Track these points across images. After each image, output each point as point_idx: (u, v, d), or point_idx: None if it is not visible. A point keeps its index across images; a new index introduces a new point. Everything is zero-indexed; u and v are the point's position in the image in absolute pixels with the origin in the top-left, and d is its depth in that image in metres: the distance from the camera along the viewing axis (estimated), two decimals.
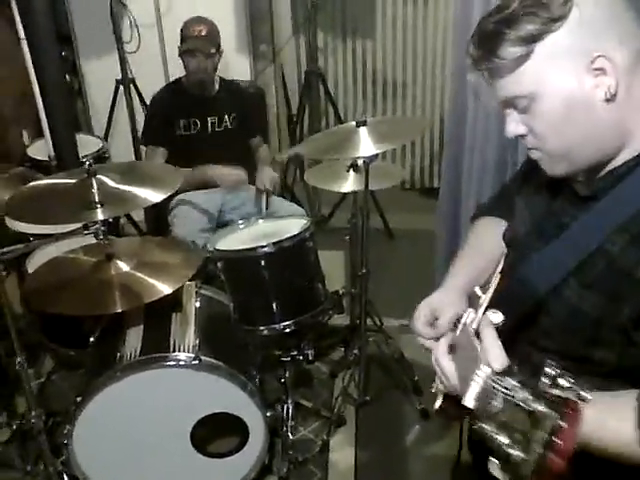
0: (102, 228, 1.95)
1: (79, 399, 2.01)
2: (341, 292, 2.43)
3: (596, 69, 0.94)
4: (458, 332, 1.13)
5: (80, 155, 2.96)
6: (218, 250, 2.22)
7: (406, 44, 3.92)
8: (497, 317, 0.98)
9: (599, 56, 0.93)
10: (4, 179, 2.51)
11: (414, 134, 2.91)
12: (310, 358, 2.33)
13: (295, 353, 2.32)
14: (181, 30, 2.90)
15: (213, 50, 2.85)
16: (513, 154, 2.28)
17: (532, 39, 0.95)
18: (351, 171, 2.47)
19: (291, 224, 2.35)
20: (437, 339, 1.16)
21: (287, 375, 2.33)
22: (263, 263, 2.13)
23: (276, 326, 2.17)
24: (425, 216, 3.71)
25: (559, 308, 1.04)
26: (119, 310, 1.92)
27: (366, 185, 2.21)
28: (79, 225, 1.93)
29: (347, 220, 2.66)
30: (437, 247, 2.81)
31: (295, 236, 2.16)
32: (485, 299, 1.14)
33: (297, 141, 3.74)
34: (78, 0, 3.55)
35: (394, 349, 2.63)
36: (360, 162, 2.27)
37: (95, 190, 1.85)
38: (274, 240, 2.14)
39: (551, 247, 1.06)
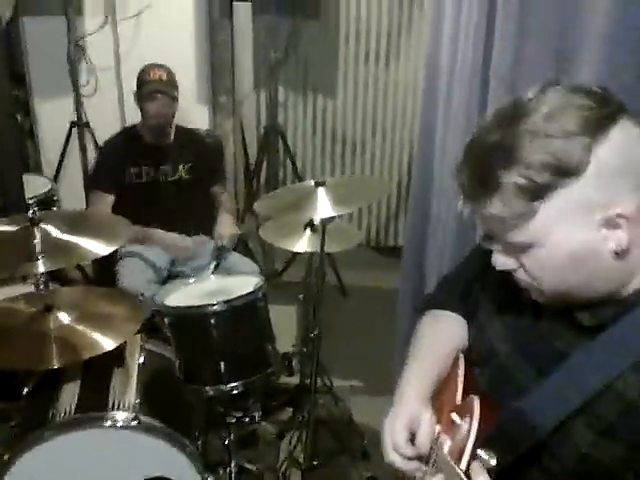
0: (42, 278, 1.87)
1: (6, 457, 1.87)
2: (291, 352, 2.37)
3: (609, 224, 0.88)
4: (437, 465, 1.03)
5: (27, 196, 2.87)
6: (167, 305, 2.13)
7: (366, 103, 3.97)
8: (491, 460, 0.89)
9: (615, 213, 0.86)
10: None
11: (374, 197, 2.92)
12: (256, 420, 2.24)
13: (241, 414, 2.23)
14: (139, 76, 2.85)
15: (174, 94, 2.82)
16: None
17: (542, 194, 0.87)
18: (307, 230, 2.44)
19: (243, 281, 2.29)
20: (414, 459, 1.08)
21: (231, 437, 2.22)
22: (212, 322, 2.05)
23: (223, 387, 2.08)
24: (380, 275, 3.72)
25: (566, 452, 0.94)
26: (55, 366, 1.82)
27: (322, 247, 2.17)
28: None
29: (300, 276, 2.62)
30: (400, 305, 2.78)
31: (247, 295, 2.10)
32: (471, 431, 0.99)
33: (254, 194, 3.71)
34: (34, 40, 3.48)
35: (344, 412, 2.57)
36: (317, 222, 2.25)
37: (37, 240, 1.76)
38: (225, 298, 2.07)
39: (551, 381, 0.95)
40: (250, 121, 3.89)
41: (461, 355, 1.20)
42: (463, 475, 0.89)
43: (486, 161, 0.90)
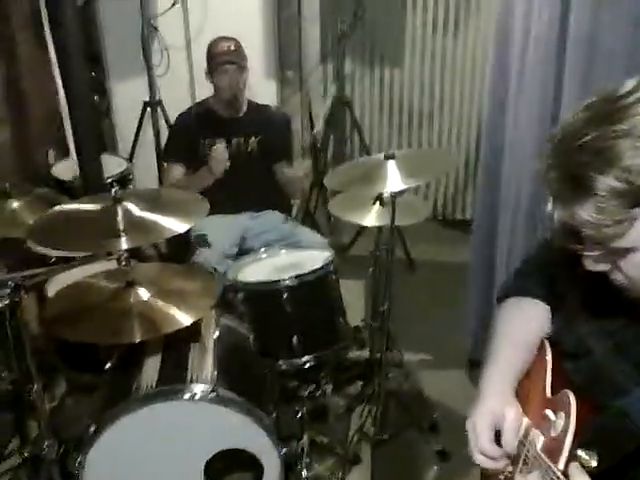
0: (125, 255, 1.94)
1: (92, 428, 1.98)
2: (361, 326, 2.39)
3: None
4: (530, 462, 1.00)
5: (104, 176, 2.98)
6: (240, 281, 2.19)
7: (434, 74, 3.91)
8: (592, 461, 0.86)
9: None
10: (27, 201, 2.50)
11: (443, 169, 2.88)
12: (328, 393, 2.28)
13: (313, 388, 2.27)
14: (208, 50, 2.90)
15: (244, 63, 2.85)
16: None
17: None
18: (376, 204, 2.43)
19: (313, 256, 2.32)
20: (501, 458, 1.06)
21: (304, 411, 2.27)
22: (285, 296, 2.10)
23: (296, 360, 2.13)
24: (448, 248, 3.69)
25: None
26: (137, 340, 1.90)
27: (392, 221, 2.17)
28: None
29: (368, 250, 2.61)
30: (471, 279, 2.76)
31: (318, 270, 2.13)
32: (568, 429, 0.96)
33: (321, 168, 3.72)
34: (110, 22, 3.57)
35: (413, 385, 2.58)
36: (386, 196, 2.24)
37: (120, 218, 1.83)
38: (297, 273, 2.11)
39: None
40: (317, 94, 3.89)
41: (547, 344, 1.17)
42: (562, 476, 0.87)
43: (579, 163, 0.85)
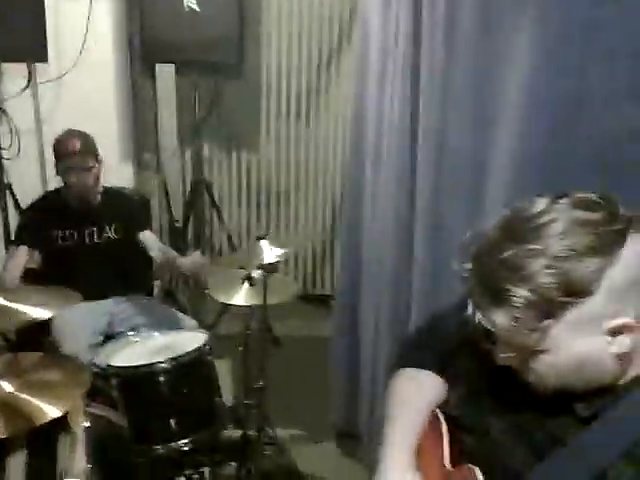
0: None
1: None
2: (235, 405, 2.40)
3: (615, 332, 0.92)
4: None
5: None
6: (112, 366, 2.13)
7: (289, 158, 4.08)
8: None
9: (622, 322, 0.91)
10: None
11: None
12: (206, 477, 2.24)
13: (191, 472, 2.22)
14: (54, 147, 2.80)
15: (91, 164, 2.78)
16: (407, 264, 2.34)
17: (554, 313, 0.91)
18: (245, 283, 2.50)
19: (186, 337, 2.32)
20: None
21: None
22: (161, 379, 2.08)
23: (173, 444, 2.09)
24: (310, 323, 3.81)
25: None
26: (2, 436, 1.78)
27: (264, 299, 2.24)
28: None
29: (230, 329, 2.64)
30: (334, 353, 2.85)
31: (195, 351, 2.13)
32: None
33: (182, 250, 3.73)
34: None
35: (287, 461, 2.60)
36: (257, 276, 2.31)
37: None
38: (173, 355, 2.10)
39: (547, 466, 0.98)
40: (175, 179, 3.93)
41: (440, 414, 1.21)
42: None
43: (498, 276, 0.93)
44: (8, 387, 1.89)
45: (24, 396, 1.88)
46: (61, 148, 2.76)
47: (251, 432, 2.52)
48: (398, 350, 1.48)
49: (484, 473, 1.07)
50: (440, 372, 1.28)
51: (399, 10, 2.12)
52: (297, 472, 2.60)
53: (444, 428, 1.19)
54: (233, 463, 2.68)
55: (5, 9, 3.06)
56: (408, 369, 1.31)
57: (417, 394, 1.26)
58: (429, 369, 1.29)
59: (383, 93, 2.32)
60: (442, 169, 1.95)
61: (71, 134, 2.78)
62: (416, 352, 1.34)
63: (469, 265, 0.98)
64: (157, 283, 3.56)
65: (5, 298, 1.86)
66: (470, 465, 1.08)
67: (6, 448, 2.01)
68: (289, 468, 2.60)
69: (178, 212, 3.90)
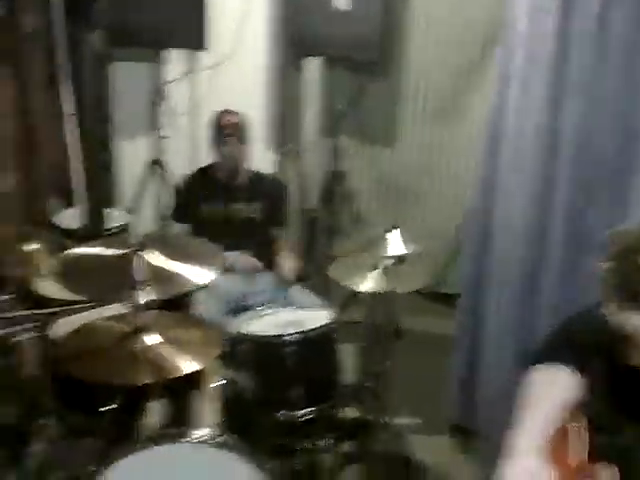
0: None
1: (94, 468, 1.99)
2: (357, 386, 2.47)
3: None
4: None
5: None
6: (244, 333, 2.28)
7: (422, 156, 4.08)
8: None
9: None
10: (40, 244, 2.57)
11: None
12: (323, 448, 2.34)
13: (308, 443, 2.33)
14: (214, 120, 3.09)
15: (246, 137, 3.04)
16: (537, 265, 2.34)
17: None
18: (374, 271, 2.56)
19: (313, 315, 2.43)
20: None
21: (299, 465, 2.32)
22: (288, 350, 2.19)
23: (295, 413, 2.20)
24: (432, 320, 3.82)
25: None
26: (145, 382, 1.95)
27: (392, 287, 2.30)
28: None
29: (356, 316, 2.71)
30: (456, 351, 2.87)
31: (321, 327, 2.23)
32: None
33: (315, 238, 3.88)
34: (120, 84, 3.73)
35: (402, 448, 2.64)
36: (387, 263, 2.37)
37: (140, 268, 1.90)
38: (300, 329, 2.21)
39: None
40: (313, 168, 4.08)
41: (580, 413, 1.24)
42: None
43: (637, 279, 0.98)
44: (152, 340, 2.08)
45: (165, 350, 2.06)
46: (222, 119, 3.04)
47: (368, 415, 2.59)
48: (536, 348, 1.50)
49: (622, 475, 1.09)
50: (577, 370, 1.30)
51: (547, 15, 2.10)
52: (410, 460, 2.63)
53: (583, 427, 1.21)
54: (349, 441, 2.78)
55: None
56: (545, 365, 1.35)
57: (552, 389, 1.30)
58: (566, 366, 1.32)
59: (526, 97, 2.30)
60: (583, 173, 1.92)
61: (230, 111, 3.07)
62: (553, 350, 1.38)
63: (608, 265, 1.00)
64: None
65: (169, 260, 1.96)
66: (607, 463, 1.10)
67: (147, 395, 2.22)
68: (403, 455, 2.64)
69: (312, 200, 4.04)
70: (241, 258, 2.99)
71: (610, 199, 1.85)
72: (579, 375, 1.30)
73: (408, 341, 3.71)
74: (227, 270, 2.92)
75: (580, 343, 1.32)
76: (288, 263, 3.02)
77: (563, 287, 2.12)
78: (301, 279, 3.68)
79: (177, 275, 1.94)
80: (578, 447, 1.18)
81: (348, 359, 3.31)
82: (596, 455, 1.14)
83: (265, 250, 3.14)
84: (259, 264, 3.02)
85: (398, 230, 2.27)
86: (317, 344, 2.26)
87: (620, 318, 0.99)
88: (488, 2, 3.52)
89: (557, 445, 1.22)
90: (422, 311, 3.99)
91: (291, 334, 2.19)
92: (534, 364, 1.38)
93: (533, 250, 2.24)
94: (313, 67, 3.84)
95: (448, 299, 4.11)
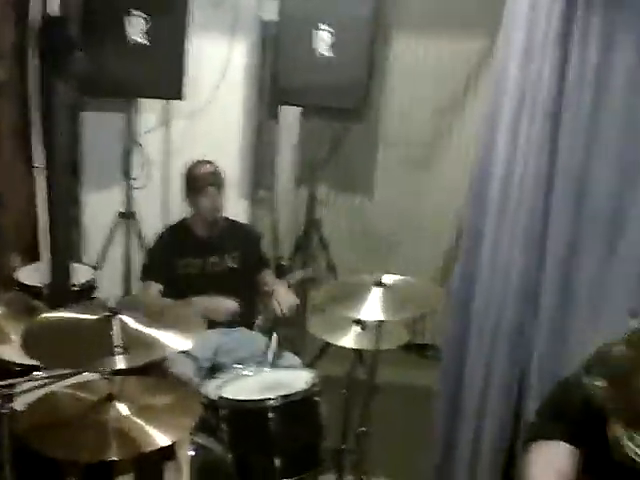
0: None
1: None
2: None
3: None
4: None
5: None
6: (224, 398, 2.16)
7: (402, 203, 4.04)
8: None
9: None
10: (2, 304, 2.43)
11: (427, 305, 2.89)
12: None
13: None
14: (189, 171, 3.01)
15: (223, 185, 2.97)
16: (530, 322, 2.29)
17: None
18: (356, 327, 2.48)
19: (295, 376, 2.32)
20: None
21: None
22: (271, 416, 2.08)
23: None
24: (406, 371, 3.72)
25: None
26: (114, 458, 1.82)
27: (376, 347, 2.21)
28: None
29: (330, 369, 2.62)
30: (438, 404, 2.77)
31: (305, 390, 2.13)
32: None
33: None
34: (91, 134, 3.65)
35: None
36: (370, 321, 2.29)
37: (116, 332, 1.80)
38: (283, 393, 2.10)
39: None
40: (288, 217, 4.01)
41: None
42: None
43: None
44: (124, 410, 1.94)
45: (137, 421, 1.93)
46: (197, 170, 2.97)
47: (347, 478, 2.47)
48: (532, 423, 1.56)
49: None
50: (571, 440, 1.33)
51: (544, 59, 2.09)
52: None
53: None
54: None
55: (149, 49, 3.27)
56: (540, 443, 1.39)
57: (550, 470, 1.33)
58: (559, 440, 1.35)
59: (516, 138, 2.27)
60: (579, 220, 1.89)
61: (205, 161, 3.01)
62: (545, 424, 1.43)
63: (604, 387, 1.05)
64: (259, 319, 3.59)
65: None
66: None
67: (115, 470, 2.06)
68: None
69: (286, 250, 3.95)
70: (214, 303, 2.87)
71: (602, 255, 1.81)
72: (575, 447, 1.34)
73: (384, 394, 3.60)
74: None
75: (572, 414, 1.35)
76: (285, 295, 2.92)
77: (552, 342, 2.06)
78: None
79: (155, 340, 1.84)
80: None
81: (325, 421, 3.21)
82: None
83: (248, 298, 3.04)
84: (236, 307, 2.89)
85: (380, 289, 2.17)
86: (302, 407, 2.16)
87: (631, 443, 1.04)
88: (473, 32, 3.55)
89: None
90: (395, 363, 3.88)
91: (273, 399, 2.08)
92: (531, 441, 1.42)
93: (527, 303, 2.17)
94: (291, 115, 3.80)
95: (421, 349, 4.06)
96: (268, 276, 3.16)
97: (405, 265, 4.12)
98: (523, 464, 1.39)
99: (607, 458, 1.20)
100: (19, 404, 2.15)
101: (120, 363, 1.74)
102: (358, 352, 2.59)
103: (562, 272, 1.98)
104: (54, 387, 2.06)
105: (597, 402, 1.05)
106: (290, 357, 2.84)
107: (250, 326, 3.07)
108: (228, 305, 2.89)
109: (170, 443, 1.85)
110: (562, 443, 1.34)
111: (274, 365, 2.57)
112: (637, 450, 1.03)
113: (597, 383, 1.04)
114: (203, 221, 2.99)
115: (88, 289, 3.21)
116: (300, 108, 3.73)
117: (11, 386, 1.81)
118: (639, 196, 1.72)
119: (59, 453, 1.87)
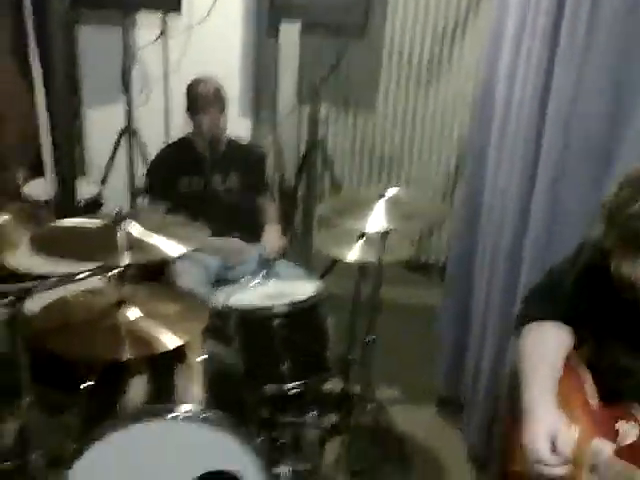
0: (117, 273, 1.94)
1: (74, 446, 1.92)
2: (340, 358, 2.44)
3: None
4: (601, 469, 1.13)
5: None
6: (231, 306, 2.21)
7: (405, 121, 4.01)
8: None
9: None
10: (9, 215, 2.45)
11: (433, 220, 2.91)
12: (309, 422, 2.30)
13: (295, 416, 2.29)
14: (190, 90, 2.95)
15: (225, 105, 2.91)
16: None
17: None
18: (360, 241, 2.51)
19: (300, 286, 2.37)
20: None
21: (285, 438, 2.28)
22: (278, 322, 2.13)
23: (283, 387, 2.15)
24: (412, 290, 3.79)
25: None
26: (127, 358, 1.88)
27: (380, 259, 2.25)
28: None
29: (339, 286, 2.66)
30: (444, 322, 2.84)
31: (311, 297, 2.18)
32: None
33: (291, 208, 3.81)
34: (90, 50, 3.59)
35: (386, 420, 2.62)
36: (373, 234, 2.32)
37: (121, 237, 1.85)
38: (289, 300, 2.15)
39: None
40: (290, 137, 3.98)
41: (577, 359, 1.29)
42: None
43: (636, 227, 1.03)
44: (135, 314, 2.00)
45: (149, 324, 1.99)
46: (199, 88, 2.89)
47: (353, 387, 2.56)
48: (521, 307, 1.53)
49: None
50: (565, 319, 1.36)
51: None
52: (395, 432, 2.62)
53: (582, 371, 1.26)
54: (334, 414, 2.75)
55: None
56: (534, 324, 1.40)
57: (548, 345, 1.34)
58: (553, 319, 1.37)
59: (517, 57, 2.26)
60: (571, 135, 1.90)
61: (207, 78, 2.92)
62: (538, 306, 1.43)
63: (606, 221, 1.07)
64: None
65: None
66: (630, 402, 1.14)
67: (129, 370, 2.14)
68: (387, 427, 2.62)
69: (290, 169, 3.95)
70: (227, 243, 2.89)
71: (594, 167, 1.84)
72: (566, 325, 1.36)
73: (389, 312, 3.68)
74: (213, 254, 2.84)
75: (563, 293, 1.37)
76: (273, 240, 2.94)
77: (547, 251, 2.10)
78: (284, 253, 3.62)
79: (158, 245, 1.87)
80: (587, 394, 1.24)
81: (331, 331, 3.29)
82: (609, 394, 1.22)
83: (250, 221, 3.05)
84: (246, 247, 2.92)
85: (383, 201, 2.19)
86: (308, 315, 2.21)
87: (628, 267, 1.06)
88: None
89: (569, 393, 1.27)
90: (401, 281, 3.95)
91: (280, 305, 2.13)
92: (523, 324, 1.43)
93: (523, 218, 2.20)
94: (291, 32, 3.72)
95: (427, 268, 4.11)
96: (267, 204, 3.15)
97: (409, 184, 4.15)
98: (517, 349, 1.40)
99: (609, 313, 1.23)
100: (31, 308, 2.23)
101: (126, 260, 1.78)
102: (363, 268, 2.62)
103: (552, 193, 2.01)
104: (65, 293, 2.12)
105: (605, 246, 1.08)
106: (297, 270, 2.89)
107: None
108: (242, 247, 2.90)
109: (181, 344, 1.92)
110: (556, 322, 1.36)
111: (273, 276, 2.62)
112: None
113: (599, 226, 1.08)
114: (205, 140, 2.94)
115: (93, 204, 3.24)
116: (300, 26, 3.64)
117: (22, 290, 1.83)
118: (632, 117, 1.72)
119: (74, 353, 1.95)
